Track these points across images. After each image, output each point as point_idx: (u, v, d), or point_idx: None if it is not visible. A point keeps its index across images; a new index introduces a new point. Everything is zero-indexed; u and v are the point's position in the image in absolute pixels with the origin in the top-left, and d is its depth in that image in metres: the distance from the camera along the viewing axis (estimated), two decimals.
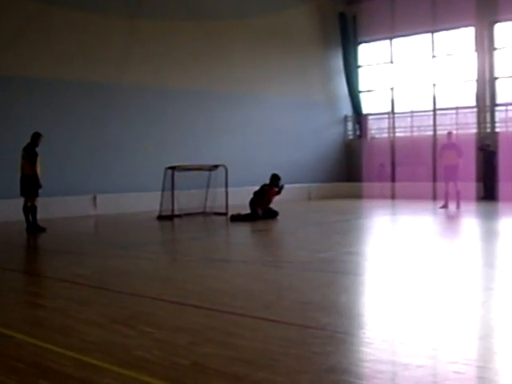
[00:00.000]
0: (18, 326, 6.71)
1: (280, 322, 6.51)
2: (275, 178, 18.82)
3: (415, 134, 28.31)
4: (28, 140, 15.89)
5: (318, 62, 29.00)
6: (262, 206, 18.29)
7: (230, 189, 20.24)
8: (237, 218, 17.91)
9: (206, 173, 20.59)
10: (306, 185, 27.16)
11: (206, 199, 20.52)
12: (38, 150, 15.83)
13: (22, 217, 15.93)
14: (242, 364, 5.17)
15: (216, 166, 20.41)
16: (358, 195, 26.64)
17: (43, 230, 15.84)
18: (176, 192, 18.90)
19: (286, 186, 19.36)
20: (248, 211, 18.22)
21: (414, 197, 24.65)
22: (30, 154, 15.69)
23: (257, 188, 18.84)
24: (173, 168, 18.98)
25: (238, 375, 4.90)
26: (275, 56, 26.65)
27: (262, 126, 26.07)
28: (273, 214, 18.38)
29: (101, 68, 21.13)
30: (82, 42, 20.74)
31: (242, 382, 4.74)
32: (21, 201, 15.98)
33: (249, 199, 18.47)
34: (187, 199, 19.70)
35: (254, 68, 25.75)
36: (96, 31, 21.10)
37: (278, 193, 18.81)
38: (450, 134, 21.60)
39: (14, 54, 19.12)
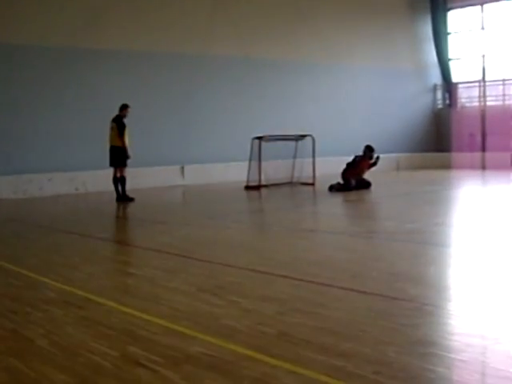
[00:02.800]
0: (109, 293, 6.85)
1: (367, 293, 6.45)
2: (368, 150, 18.43)
3: (507, 102, 27.54)
4: (116, 111, 16.16)
5: (406, 29, 28.44)
6: (354, 177, 18.04)
7: (317, 159, 20.14)
8: (334, 188, 17.74)
9: (293, 143, 20.53)
10: (395, 155, 26.74)
11: (293, 169, 20.50)
12: (125, 121, 16.08)
13: (111, 187, 16.26)
14: (329, 334, 5.15)
15: (303, 136, 20.32)
16: (447, 165, 26.15)
17: (132, 199, 16.10)
18: (263, 162, 18.93)
19: None
20: (340, 181, 18.02)
21: (505, 167, 23.99)
22: (118, 125, 15.95)
23: (347, 158, 18.55)
24: (260, 138, 19.00)
25: (325, 345, 4.88)
26: (362, 23, 26.24)
27: (350, 95, 25.78)
28: (366, 185, 18.06)
29: (187, 39, 21.21)
30: (168, 13, 20.84)
31: (329, 353, 4.72)
32: (110, 171, 16.30)
33: (336, 169, 18.31)
34: (274, 169, 19.73)
35: (341, 36, 25.42)
36: (181, 2, 21.19)
37: (374, 164, 18.45)
38: None
39: (101, 27, 19.37)
